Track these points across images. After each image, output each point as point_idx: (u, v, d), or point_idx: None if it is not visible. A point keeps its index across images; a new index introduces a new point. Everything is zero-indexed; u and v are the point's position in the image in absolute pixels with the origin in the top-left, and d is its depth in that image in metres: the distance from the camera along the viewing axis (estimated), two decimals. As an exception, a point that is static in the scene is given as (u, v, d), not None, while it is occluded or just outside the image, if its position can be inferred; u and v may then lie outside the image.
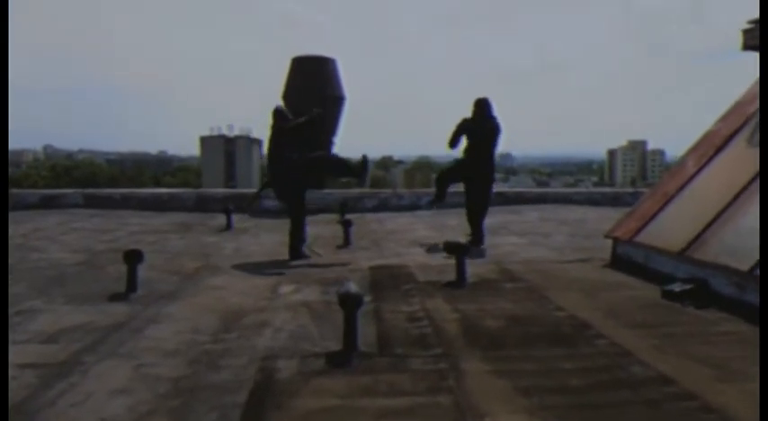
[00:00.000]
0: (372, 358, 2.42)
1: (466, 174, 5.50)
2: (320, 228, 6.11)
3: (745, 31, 4.37)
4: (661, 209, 4.20)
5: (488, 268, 4.24)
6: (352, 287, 2.56)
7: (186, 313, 3.13)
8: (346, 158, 5.20)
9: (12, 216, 6.74)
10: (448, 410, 1.95)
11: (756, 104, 4.10)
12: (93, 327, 2.84)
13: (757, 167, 3.51)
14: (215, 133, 52.46)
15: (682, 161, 4.62)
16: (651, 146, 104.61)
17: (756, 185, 3.43)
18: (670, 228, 3.92)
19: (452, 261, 3.86)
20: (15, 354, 2.39)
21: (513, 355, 2.45)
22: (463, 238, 5.02)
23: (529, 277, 3.90)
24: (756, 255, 2.97)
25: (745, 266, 3.04)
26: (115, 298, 3.42)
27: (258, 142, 51.33)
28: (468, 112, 5.41)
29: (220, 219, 6.81)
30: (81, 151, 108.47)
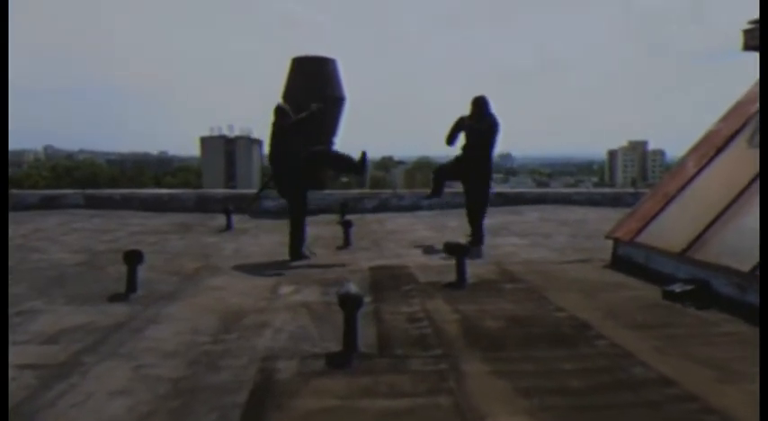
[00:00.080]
0: (372, 359, 2.42)
1: (463, 172, 5.49)
2: (320, 229, 6.10)
3: (746, 32, 4.36)
4: (662, 209, 4.19)
5: (488, 269, 4.24)
6: (352, 288, 2.56)
7: (186, 314, 3.12)
8: (346, 154, 5.20)
9: (12, 216, 6.73)
10: (448, 411, 1.95)
11: (757, 104, 4.09)
12: (94, 328, 2.83)
13: (758, 168, 3.50)
14: (215, 133, 52.51)
15: (682, 161, 4.61)
16: (651, 146, 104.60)
17: (757, 185, 3.43)
18: (671, 229, 3.92)
19: (452, 261, 3.85)
20: (15, 355, 2.38)
21: (513, 356, 2.44)
22: (463, 239, 5.02)
23: (529, 278, 3.90)
24: (757, 256, 2.96)
25: (746, 267, 3.03)
26: (115, 298, 3.42)
27: (258, 142, 51.37)
28: (467, 112, 5.42)
29: (220, 220, 6.81)
30: (81, 151, 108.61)
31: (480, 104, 5.35)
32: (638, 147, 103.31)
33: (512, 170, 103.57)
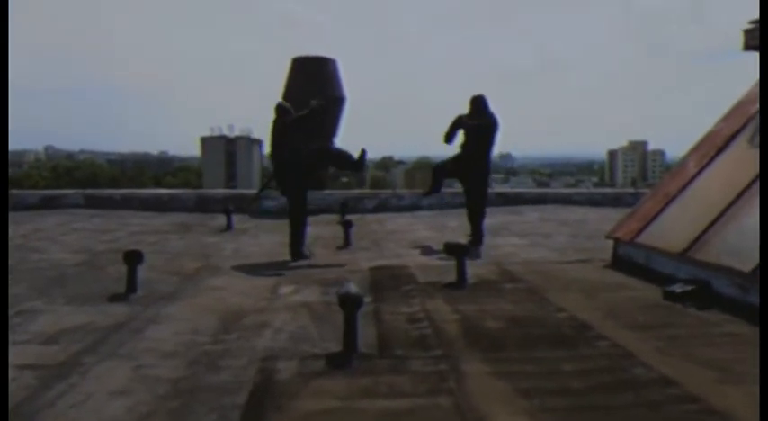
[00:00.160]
0: (372, 359, 2.41)
1: (462, 170, 5.48)
2: (320, 229, 6.10)
3: (747, 32, 4.36)
4: (662, 209, 4.18)
5: (489, 269, 4.23)
6: (352, 288, 2.55)
7: (186, 314, 3.12)
8: (346, 151, 5.21)
9: (12, 216, 6.73)
10: (448, 412, 1.94)
11: (758, 104, 4.09)
12: (94, 328, 2.83)
13: (759, 168, 3.49)
14: (216, 133, 52.53)
15: (683, 161, 4.60)
16: (652, 146, 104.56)
17: (758, 185, 3.42)
18: (671, 229, 3.91)
19: (452, 261, 3.85)
20: (15, 355, 2.38)
21: (513, 357, 2.44)
22: (464, 239, 5.01)
23: (529, 278, 3.89)
24: (758, 256, 2.96)
25: (747, 267, 3.02)
26: (115, 298, 3.42)
27: (259, 142, 51.40)
28: (467, 112, 5.41)
29: (220, 220, 6.81)
30: (82, 151, 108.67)
31: (479, 103, 5.35)
32: (638, 148, 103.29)
33: (512, 170, 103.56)
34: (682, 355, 2.41)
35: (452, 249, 3.89)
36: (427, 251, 5.11)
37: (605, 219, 5.86)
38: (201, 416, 1.93)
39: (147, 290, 3.58)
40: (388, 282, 3.86)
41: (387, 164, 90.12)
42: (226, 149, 51.25)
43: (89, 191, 9.48)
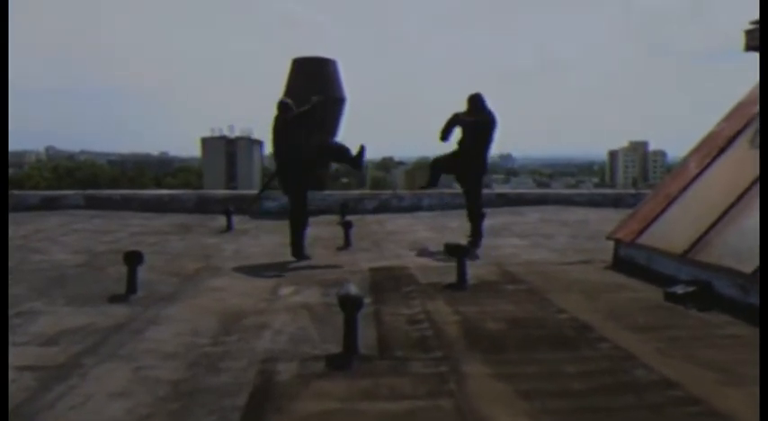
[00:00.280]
0: (372, 361, 2.41)
1: (459, 166, 5.46)
2: (321, 230, 6.09)
3: (748, 32, 4.35)
4: (663, 210, 4.17)
5: (489, 270, 4.23)
6: (353, 289, 2.55)
7: (186, 315, 3.11)
8: (345, 146, 5.21)
9: (12, 217, 6.73)
10: (449, 414, 1.93)
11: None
12: (94, 329, 2.83)
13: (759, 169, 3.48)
14: (216, 134, 52.55)
15: (684, 162, 4.60)
16: (652, 147, 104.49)
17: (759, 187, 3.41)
18: (672, 230, 3.90)
19: (452, 262, 3.84)
20: (15, 356, 2.38)
21: (514, 358, 2.43)
22: (464, 240, 5.00)
23: (530, 279, 3.89)
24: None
25: (748, 268, 3.01)
26: (115, 299, 3.41)
27: (259, 143, 51.43)
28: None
29: (221, 221, 6.81)
30: (83, 152, 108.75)
31: (476, 101, 5.35)
32: (638, 148, 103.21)
33: (512, 170, 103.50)
34: (683, 357, 2.40)
35: (453, 250, 3.88)
36: (427, 252, 5.10)
37: (606, 220, 5.85)
38: (201, 417, 1.92)
39: (148, 291, 3.57)
40: (388, 283, 3.86)
41: (387, 164, 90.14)
42: (226, 150, 51.26)
43: (89, 191, 9.48)
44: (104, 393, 2.09)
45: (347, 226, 5.59)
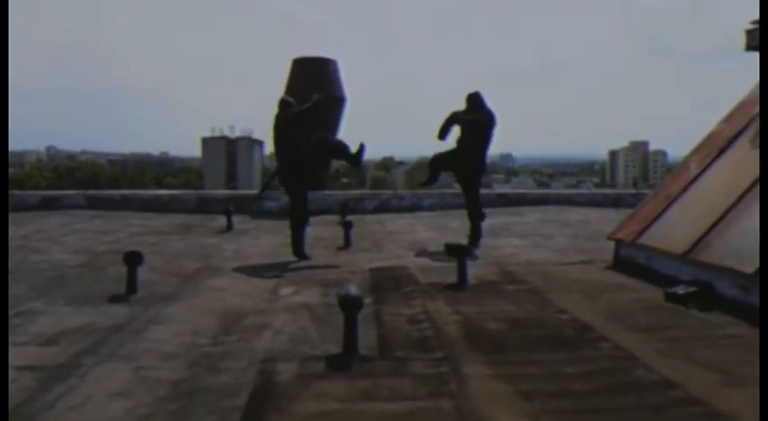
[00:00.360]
0: (373, 361, 2.40)
1: (458, 164, 5.45)
2: (321, 230, 6.09)
3: (748, 32, 4.34)
4: (664, 210, 4.17)
5: (490, 270, 4.22)
6: (353, 289, 2.54)
7: (186, 315, 3.11)
8: (345, 143, 5.20)
9: (13, 217, 6.74)
10: (449, 415, 1.93)
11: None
12: (93, 329, 2.82)
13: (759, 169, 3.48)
14: (216, 134, 52.57)
15: (684, 162, 4.59)
16: (653, 146, 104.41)
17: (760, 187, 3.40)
18: (673, 230, 3.89)
19: (453, 262, 3.83)
20: (15, 356, 2.37)
21: (514, 359, 2.42)
22: (464, 240, 5.00)
23: (530, 279, 3.88)
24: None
25: (749, 269, 3.01)
26: (115, 299, 3.41)
27: (260, 143, 51.44)
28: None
29: (221, 221, 6.81)
30: (83, 152, 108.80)
31: (475, 100, 5.34)
32: (639, 148, 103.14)
33: (513, 170, 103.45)
34: (684, 357, 2.40)
35: (453, 250, 3.88)
36: (428, 252, 5.09)
37: (606, 220, 5.85)
38: (201, 417, 1.92)
39: (148, 291, 3.57)
40: (388, 283, 3.85)
41: (387, 164, 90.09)
42: (227, 150, 51.27)
43: (90, 191, 9.49)
44: (104, 393, 2.09)
45: (347, 226, 5.59)
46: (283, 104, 4.90)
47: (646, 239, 4.06)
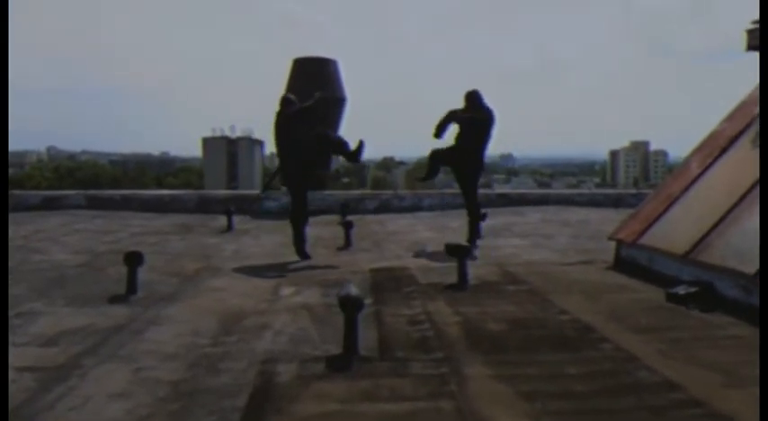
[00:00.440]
0: (373, 362, 2.40)
1: (456, 160, 5.43)
2: (321, 230, 6.08)
3: (749, 32, 4.33)
4: (665, 210, 4.16)
5: (490, 270, 4.22)
6: (353, 290, 2.54)
7: (186, 315, 3.11)
8: (345, 140, 5.20)
9: (13, 217, 6.74)
10: (449, 415, 1.93)
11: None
12: (93, 330, 2.82)
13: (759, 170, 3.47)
14: (217, 134, 52.62)
15: (685, 162, 4.58)
16: (653, 146, 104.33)
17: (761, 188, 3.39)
18: (674, 231, 3.89)
19: (453, 263, 3.83)
20: (15, 357, 2.37)
21: (515, 359, 2.42)
22: (465, 240, 4.98)
23: (531, 279, 3.88)
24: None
25: (750, 269, 3.00)
26: (115, 300, 3.41)
27: (260, 143, 51.47)
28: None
29: (221, 221, 6.80)
30: (84, 152, 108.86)
31: (474, 98, 5.32)
32: (639, 148, 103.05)
33: (513, 170, 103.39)
34: (685, 358, 2.39)
35: (453, 250, 3.87)
36: (428, 252, 5.09)
37: (607, 220, 5.84)
38: (201, 418, 1.91)
39: (148, 291, 3.57)
40: (388, 283, 3.85)
41: (388, 164, 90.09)
42: (227, 150, 51.32)
43: (91, 192, 9.49)
44: (104, 394, 2.08)
45: (348, 226, 5.58)
46: (285, 102, 4.90)
47: (647, 239, 4.05)
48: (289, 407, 1.99)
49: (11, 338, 2.64)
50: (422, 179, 6.05)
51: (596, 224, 6.44)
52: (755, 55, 4.21)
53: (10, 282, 3.64)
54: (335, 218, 6.92)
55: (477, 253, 4.81)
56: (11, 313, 3.04)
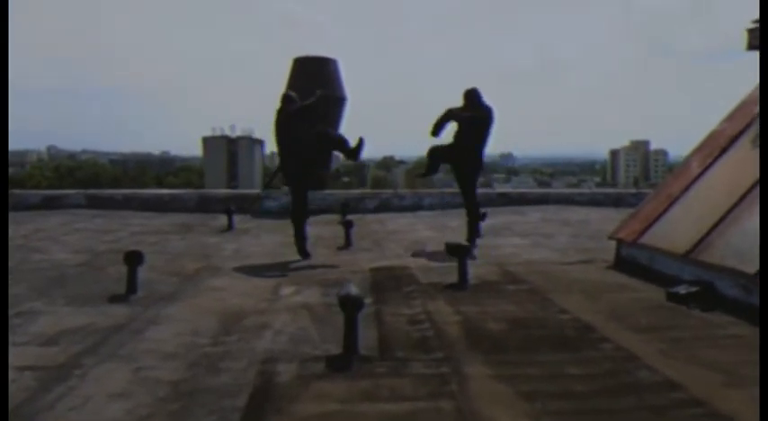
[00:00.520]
0: (373, 362, 2.40)
1: (455, 158, 5.43)
2: (321, 229, 6.08)
3: (750, 31, 4.33)
4: (665, 210, 4.16)
5: (490, 270, 4.21)
6: (353, 289, 2.54)
7: (186, 315, 3.11)
8: (345, 137, 5.20)
9: (13, 216, 6.74)
10: (450, 415, 1.92)
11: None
12: (93, 329, 2.82)
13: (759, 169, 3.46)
14: (217, 133, 52.64)
15: (686, 162, 4.58)
16: (654, 146, 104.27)
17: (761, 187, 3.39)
18: (675, 230, 3.88)
19: (453, 262, 3.83)
20: (15, 356, 2.37)
21: (515, 359, 2.42)
22: (465, 240, 4.98)
23: (531, 279, 3.87)
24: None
25: (751, 269, 3.00)
26: (115, 299, 3.41)
27: (260, 142, 51.49)
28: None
29: (222, 220, 6.80)
30: (84, 152, 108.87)
31: (472, 96, 5.31)
32: (640, 147, 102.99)
33: (513, 170, 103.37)
34: (686, 358, 2.39)
35: (453, 250, 3.87)
36: (428, 251, 5.09)
37: (607, 220, 5.84)
38: (201, 418, 1.91)
39: (148, 290, 3.57)
40: (389, 282, 3.85)
41: (388, 163, 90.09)
42: (227, 149, 51.34)
43: (91, 191, 9.49)
44: (104, 394, 2.08)
45: (348, 225, 5.58)
46: (286, 99, 4.90)
47: (647, 239, 4.05)
48: (289, 406, 1.99)
49: (11, 338, 2.64)
50: (422, 175, 6.04)
51: (596, 223, 6.44)
52: (756, 54, 4.21)
53: (10, 281, 3.64)
54: (336, 217, 6.92)
55: (476, 252, 4.82)
56: (11, 312, 3.04)
